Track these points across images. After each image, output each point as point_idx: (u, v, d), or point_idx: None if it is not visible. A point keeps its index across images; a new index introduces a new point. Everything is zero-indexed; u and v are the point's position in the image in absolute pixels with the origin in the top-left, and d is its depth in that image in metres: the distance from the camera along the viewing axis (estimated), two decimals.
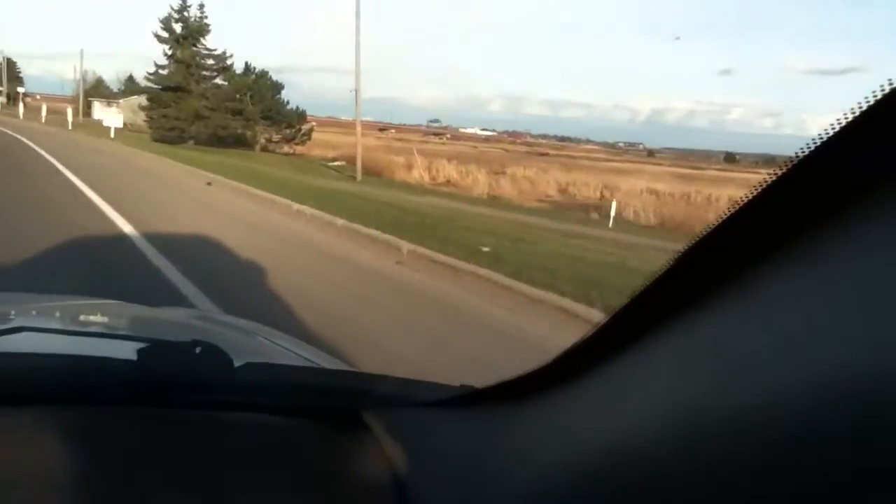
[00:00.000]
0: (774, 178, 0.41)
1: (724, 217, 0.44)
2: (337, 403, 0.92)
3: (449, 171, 33.60)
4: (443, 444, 0.78)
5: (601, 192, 34.17)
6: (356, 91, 27.45)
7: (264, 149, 40.04)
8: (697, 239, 0.46)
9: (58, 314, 1.52)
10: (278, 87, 41.53)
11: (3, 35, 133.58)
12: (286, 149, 42.30)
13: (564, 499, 0.55)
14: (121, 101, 72.29)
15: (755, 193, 0.42)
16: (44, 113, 41.42)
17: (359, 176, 27.31)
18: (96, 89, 78.54)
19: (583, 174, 39.23)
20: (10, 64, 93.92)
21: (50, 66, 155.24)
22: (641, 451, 0.48)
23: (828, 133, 0.37)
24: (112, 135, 28.90)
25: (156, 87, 37.80)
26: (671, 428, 0.45)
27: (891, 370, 0.31)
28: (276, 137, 41.60)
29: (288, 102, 41.93)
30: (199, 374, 0.83)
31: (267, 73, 41.27)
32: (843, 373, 0.34)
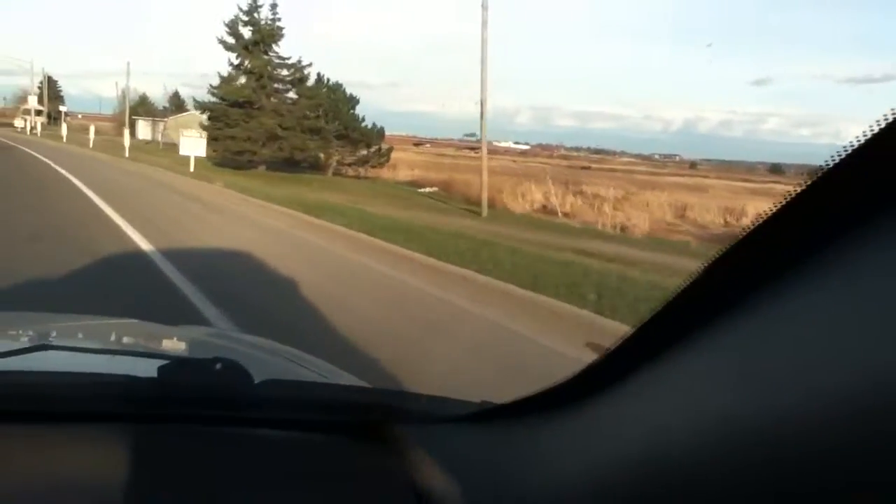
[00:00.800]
0: (800, 190, 0.41)
1: (749, 230, 0.44)
2: (360, 419, 0.91)
3: (563, 197, 27.71)
4: (464, 458, 0.79)
5: (724, 218, 28.80)
6: (482, 103, 21.67)
7: (336, 172, 34.56)
8: (720, 253, 0.46)
9: (80, 333, 1.55)
10: (353, 101, 35.88)
11: (41, 54, 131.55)
12: (360, 171, 36.80)
13: None
14: (168, 119, 67.81)
15: (781, 206, 0.42)
16: (91, 135, 36.07)
17: (484, 211, 21.58)
18: (141, 107, 74.18)
19: (680, 194, 34.39)
20: (51, 83, 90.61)
21: (86, 84, 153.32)
22: (661, 467, 0.47)
23: (853, 145, 0.37)
24: (192, 167, 22.30)
25: (220, 101, 32.23)
26: (692, 443, 0.45)
27: None
28: (349, 158, 36.01)
29: (363, 119, 36.24)
30: (220, 391, 0.83)
31: (341, 85, 35.62)
32: (871, 385, 0.33)
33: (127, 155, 28.72)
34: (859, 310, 0.36)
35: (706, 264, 0.47)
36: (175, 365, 0.89)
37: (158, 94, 76.81)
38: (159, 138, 62.90)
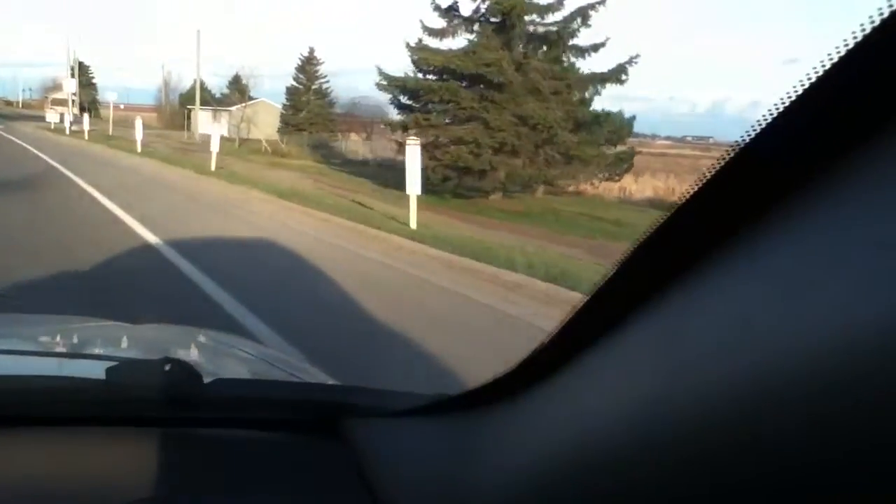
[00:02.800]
0: (715, 169, 0.41)
1: (674, 209, 0.44)
2: (310, 416, 0.91)
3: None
4: (416, 452, 0.79)
5: None
6: None
7: (576, 191, 20.31)
8: (647, 235, 0.46)
9: (32, 335, 1.51)
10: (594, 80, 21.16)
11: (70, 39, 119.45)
12: (597, 186, 22.54)
13: (535, 502, 0.56)
14: (233, 108, 53.63)
15: (697, 186, 0.42)
16: (139, 135, 21.22)
17: None
18: (192, 96, 60.19)
19: None
20: (82, 69, 77.28)
21: (110, 73, 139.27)
22: (608, 451, 0.48)
23: (766, 120, 0.37)
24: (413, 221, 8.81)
25: (430, 76, 17.65)
26: (636, 425, 0.45)
27: (842, 358, 0.31)
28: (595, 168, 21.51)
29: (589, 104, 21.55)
30: (167, 391, 0.83)
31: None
32: (801, 359, 0.33)
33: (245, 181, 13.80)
34: (784, 292, 0.35)
35: (630, 249, 0.48)
36: (123, 366, 0.89)
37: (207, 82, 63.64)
38: (231, 132, 49.17)
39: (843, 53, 0.32)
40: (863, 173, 0.33)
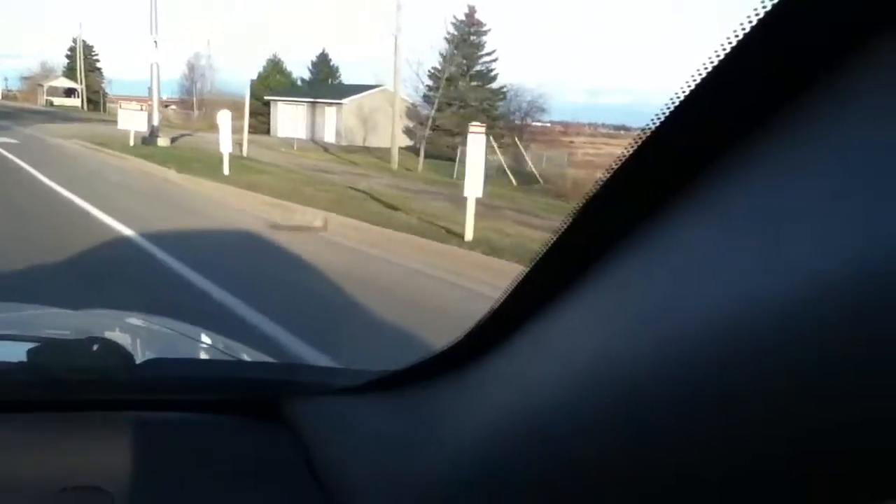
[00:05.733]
0: (637, 144, 0.41)
1: (610, 173, 0.44)
2: (250, 395, 0.87)
3: None
4: (363, 430, 0.76)
5: None
6: None
7: None
8: (587, 199, 0.46)
9: None
10: None
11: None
12: None
13: (480, 476, 0.55)
14: (346, 101, 34.93)
15: (622, 161, 0.43)
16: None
17: None
18: (267, 81, 41.12)
19: None
20: (86, 50, 58.04)
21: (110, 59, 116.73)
22: (560, 420, 0.47)
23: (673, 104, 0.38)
24: None
25: None
26: (586, 392, 0.44)
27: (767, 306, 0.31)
28: None
29: None
30: (95, 373, 0.79)
31: None
32: (741, 312, 0.33)
33: None
34: (737, 239, 0.36)
35: (571, 215, 0.47)
36: (46, 347, 0.84)
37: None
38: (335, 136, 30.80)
39: (733, 44, 0.34)
40: (750, 165, 0.35)
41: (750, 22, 0.33)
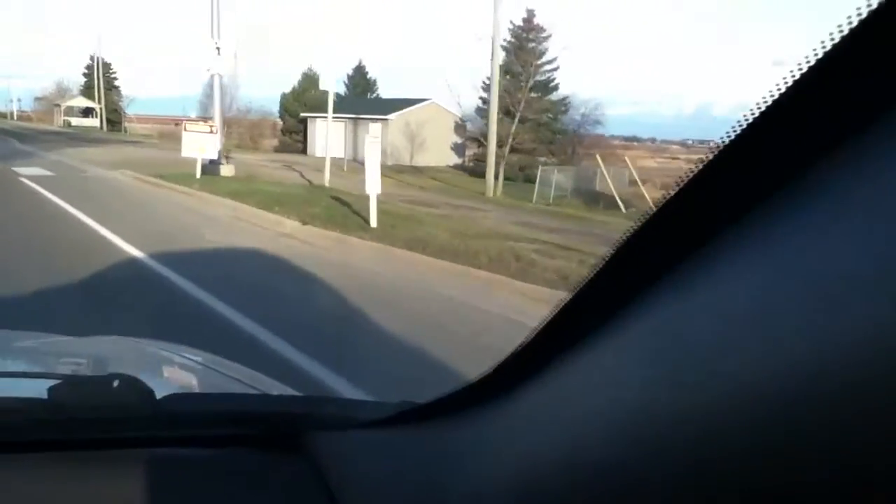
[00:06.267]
0: (696, 170, 0.39)
1: (662, 204, 0.41)
2: (271, 430, 0.86)
3: None
4: (386, 464, 0.75)
5: None
6: None
7: None
8: (632, 230, 0.43)
9: None
10: None
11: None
12: None
13: None
14: (392, 116, 32.02)
15: (690, 176, 0.39)
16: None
17: None
18: (301, 98, 38.24)
19: None
20: (104, 68, 55.43)
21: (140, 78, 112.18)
22: (592, 457, 0.45)
23: (746, 121, 0.35)
24: None
25: None
26: (621, 428, 0.43)
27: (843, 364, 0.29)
28: None
29: None
30: (117, 410, 0.79)
31: None
32: (795, 362, 0.31)
33: None
34: (781, 289, 0.33)
35: (616, 245, 0.44)
36: (67, 385, 0.82)
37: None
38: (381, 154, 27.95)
39: (819, 56, 0.31)
40: (846, 174, 0.32)
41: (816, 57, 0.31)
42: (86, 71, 56.08)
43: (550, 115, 30.45)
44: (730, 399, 0.34)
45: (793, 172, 0.34)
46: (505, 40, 31.44)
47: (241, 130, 43.88)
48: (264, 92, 51.47)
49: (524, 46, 30.51)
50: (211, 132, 11.93)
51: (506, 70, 31.14)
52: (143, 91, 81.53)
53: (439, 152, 33.17)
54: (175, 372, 1.32)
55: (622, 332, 0.45)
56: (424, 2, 72.19)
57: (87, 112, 54.02)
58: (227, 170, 13.26)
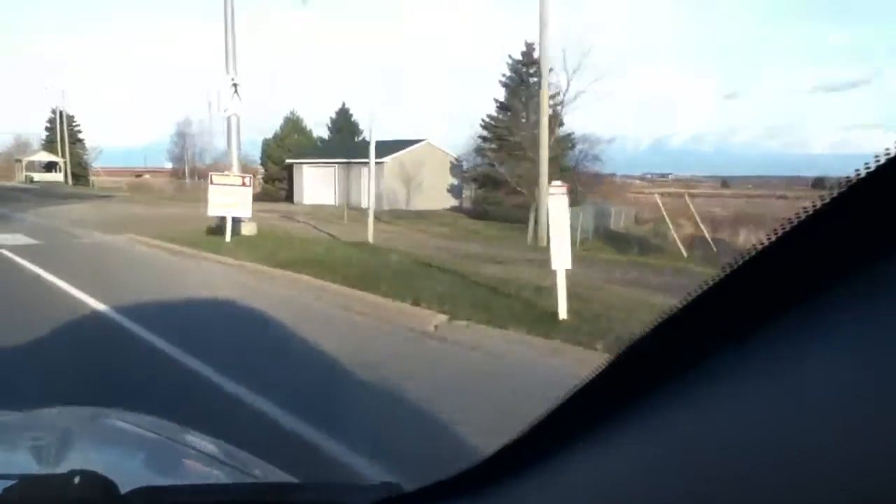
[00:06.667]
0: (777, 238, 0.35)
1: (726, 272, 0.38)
2: None
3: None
4: None
5: None
6: None
7: None
8: (673, 311, 0.40)
9: None
10: None
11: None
12: None
13: None
14: (386, 159, 30.21)
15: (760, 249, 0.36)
16: None
17: None
18: (285, 141, 36.16)
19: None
20: (67, 121, 52.63)
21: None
22: None
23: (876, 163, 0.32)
24: None
25: None
26: None
27: None
28: None
29: None
30: None
31: None
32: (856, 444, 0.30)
33: None
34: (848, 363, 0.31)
35: (658, 319, 0.41)
36: (22, 485, 0.76)
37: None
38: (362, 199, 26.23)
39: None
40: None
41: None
42: (48, 124, 53.42)
43: (554, 152, 28.78)
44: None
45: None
46: (504, 75, 29.99)
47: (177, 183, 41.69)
48: (251, 136, 49.27)
49: (525, 81, 28.96)
50: (243, 185, 9.74)
51: (505, 107, 29.61)
52: (105, 142, 77.82)
53: (436, 194, 31.22)
54: (143, 454, 1.22)
55: (625, 430, 0.43)
56: (415, 38, 71.33)
57: (49, 166, 51.23)
58: (248, 227, 11.06)
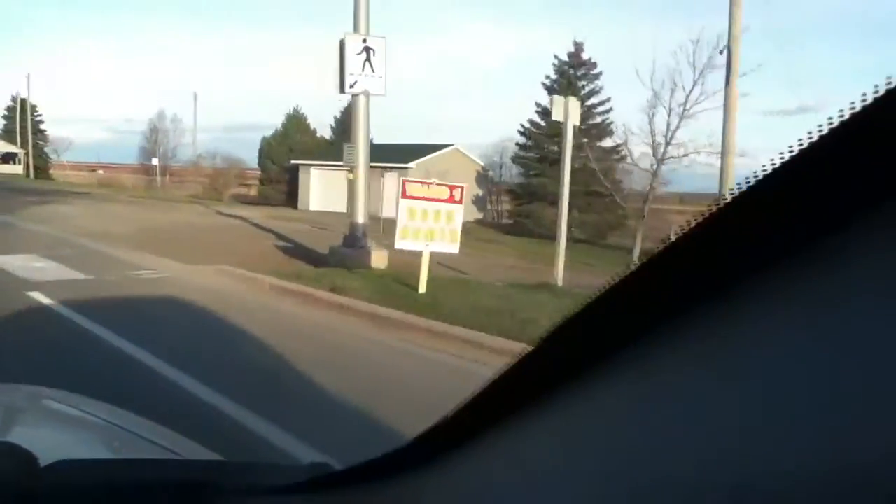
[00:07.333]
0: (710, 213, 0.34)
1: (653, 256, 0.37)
2: (170, 500, 0.80)
3: None
4: None
5: None
6: None
7: None
8: (604, 290, 0.39)
9: None
10: None
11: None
12: None
13: None
14: (412, 164, 26.96)
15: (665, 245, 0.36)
16: None
17: None
18: (287, 140, 32.33)
19: None
20: (26, 109, 47.56)
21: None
22: None
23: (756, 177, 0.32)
24: None
25: None
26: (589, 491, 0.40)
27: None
28: None
29: None
30: None
31: None
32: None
33: None
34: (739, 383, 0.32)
35: (591, 296, 0.40)
36: None
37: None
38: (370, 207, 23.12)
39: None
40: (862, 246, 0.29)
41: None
42: (6, 113, 48.44)
43: (602, 163, 25.70)
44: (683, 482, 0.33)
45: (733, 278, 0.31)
46: (547, 77, 26.84)
47: (202, 179, 37.46)
48: (215, 135, 45.01)
49: (573, 84, 25.85)
50: (451, 200, 6.16)
51: (548, 112, 26.48)
52: (68, 134, 70.85)
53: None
54: (66, 431, 1.20)
55: (559, 409, 0.43)
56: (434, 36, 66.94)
57: (7, 158, 46.15)
58: (379, 258, 7.57)
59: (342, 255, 7.61)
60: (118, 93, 73.76)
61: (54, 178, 42.08)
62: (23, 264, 6.78)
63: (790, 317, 0.31)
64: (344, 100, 36.66)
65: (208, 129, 75.40)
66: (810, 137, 0.29)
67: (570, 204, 24.75)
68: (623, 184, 24.65)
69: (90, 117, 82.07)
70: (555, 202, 25.22)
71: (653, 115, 20.25)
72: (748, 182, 0.32)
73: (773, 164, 0.31)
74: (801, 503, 0.27)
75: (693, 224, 0.34)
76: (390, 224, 20.98)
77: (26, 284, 5.75)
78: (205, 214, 19.48)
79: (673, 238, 0.34)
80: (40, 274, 6.30)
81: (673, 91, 19.29)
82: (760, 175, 0.31)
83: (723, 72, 10.06)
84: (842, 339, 0.28)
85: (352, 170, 8.15)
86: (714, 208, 0.33)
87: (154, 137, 44.87)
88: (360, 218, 7.92)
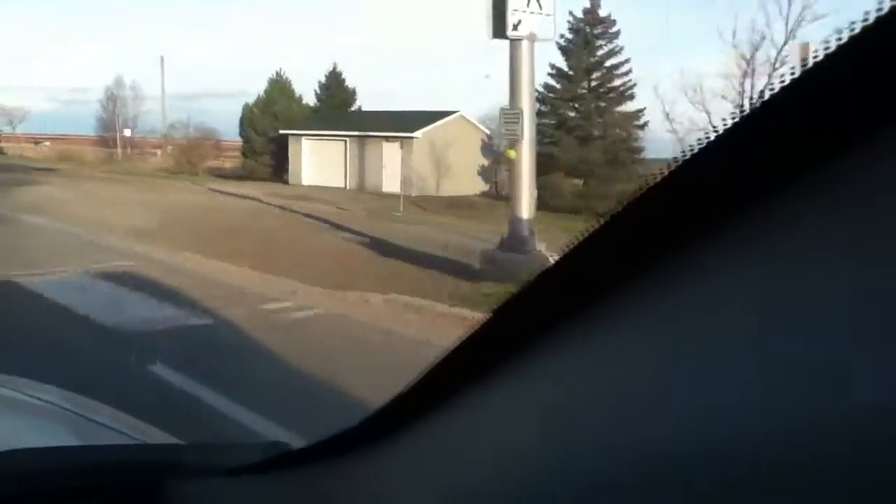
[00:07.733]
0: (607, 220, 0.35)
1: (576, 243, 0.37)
2: (125, 483, 0.80)
3: None
4: None
5: None
6: None
7: None
8: (569, 247, 0.38)
9: None
10: None
11: None
12: None
13: None
14: (417, 134, 24.68)
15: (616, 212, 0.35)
16: None
17: None
18: (270, 111, 29.63)
19: None
20: None
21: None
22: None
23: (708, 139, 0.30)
24: None
25: None
26: (503, 480, 0.42)
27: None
28: None
29: None
30: None
31: None
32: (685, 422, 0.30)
33: None
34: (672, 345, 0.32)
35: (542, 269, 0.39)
36: None
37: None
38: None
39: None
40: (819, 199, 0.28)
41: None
42: None
43: (622, 130, 23.91)
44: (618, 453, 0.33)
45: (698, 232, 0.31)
46: (562, 37, 24.74)
47: (174, 152, 34.35)
48: (188, 103, 41.82)
49: (590, 42, 23.87)
50: None
51: (564, 74, 24.47)
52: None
53: (466, 178, 25.65)
54: (13, 415, 1.18)
55: (504, 382, 0.44)
56: None
57: None
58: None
59: (506, 263, 5.57)
60: (62, 59, 68.37)
61: (5, 153, 38.39)
62: (81, 290, 4.59)
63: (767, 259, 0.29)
64: (328, 62, 33.55)
65: (174, 97, 71.01)
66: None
67: (589, 174, 22.60)
68: (645, 152, 23.00)
69: (30, 85, 76.17)
70: (573, 173, 23.46)
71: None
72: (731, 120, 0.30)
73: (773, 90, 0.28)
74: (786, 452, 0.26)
75: (667, 172, 0.32)
76: (391, 201, 18.70)
77: (119, 336, 3.61)
78: (202, 193, 17.08)
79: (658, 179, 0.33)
80: (119, 314, 4.13)
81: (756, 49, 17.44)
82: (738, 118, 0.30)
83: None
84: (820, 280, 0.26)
85: (513, 145, 6.02)
86: (689, 155, 0.32)
87: (112, 107, 41.24)
88: (525, 211, 5.86)
